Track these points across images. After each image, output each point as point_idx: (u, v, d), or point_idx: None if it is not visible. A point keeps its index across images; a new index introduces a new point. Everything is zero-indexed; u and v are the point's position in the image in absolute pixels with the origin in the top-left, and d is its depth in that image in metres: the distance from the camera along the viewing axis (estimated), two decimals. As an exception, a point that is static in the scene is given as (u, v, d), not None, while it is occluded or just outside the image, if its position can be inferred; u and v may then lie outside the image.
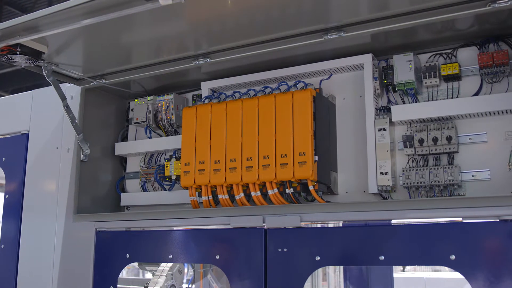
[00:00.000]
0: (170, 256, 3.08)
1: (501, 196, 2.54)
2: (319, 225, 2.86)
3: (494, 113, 2.75)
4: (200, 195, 3.13)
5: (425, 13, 2.57)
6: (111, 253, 3.30)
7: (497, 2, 2.41)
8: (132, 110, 3.87)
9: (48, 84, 3.43)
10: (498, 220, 2.27)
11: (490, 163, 2.76)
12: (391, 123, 2.95)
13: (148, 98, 3.66)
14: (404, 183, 2.87)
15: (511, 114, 2.73)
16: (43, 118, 3.87)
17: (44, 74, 3.24)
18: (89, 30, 2.80)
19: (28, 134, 3.92)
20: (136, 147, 3.79)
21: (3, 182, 3.99)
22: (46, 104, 3.87)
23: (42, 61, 3.13)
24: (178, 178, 3.50)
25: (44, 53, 3.06)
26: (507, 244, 2.24)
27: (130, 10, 2.43)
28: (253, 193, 2.95)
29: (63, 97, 3.41)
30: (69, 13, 2.54)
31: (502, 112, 2.73)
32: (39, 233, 3.68)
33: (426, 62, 2.94)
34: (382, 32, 2.75)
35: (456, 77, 2.86)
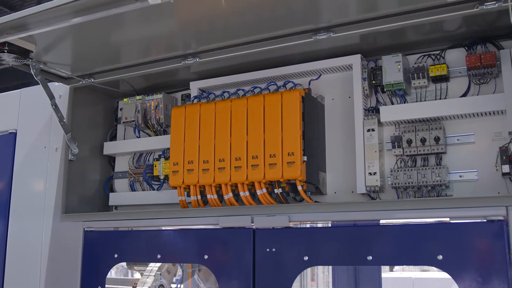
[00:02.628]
0: (159, 256, 3.07)
1: (488, 197, 2.56)
2: (307, 225, 2.86)
3: (482, 114, 2.77)
4: (188, 195, 3.13)
5: (414, 14, 2.58)
6: (99, 253, 3.28)
7: (485, 4, 2.43)
8: (120, 109, 3.85)
9: (36, 83, 3.40)
10: (485, 220, 2.28)
11: (477, 164, 2.78)
12: (380, 123, 2.96)
13: (137, 97, 3.65)
14: (392, 184, 2.88)
15: (498, 115, 2.75)
16: (31, 117, 3.84)
17: (32, 73, 3.22)
18: (77, 29, 2.78)
19: (16, 133, 3.89)
20: (125, 146, 3.78)
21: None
22: (34, 103, 3.84)
23: (30, 60, 3.11)
24: (166, 177, 3.49)
25: (32, 51, 3.04)
26: (494, 244, 2.25)
27: (119, 9, 2.43)
28: (241, 193, 2.94)
29: (51, 96, 3.39)
30: (57, 12, 2.53)
31: (490, 113, 2.75)
32: (26, 233, 3.64)
33: (415, 63, 2.96)
34: (371, 33, 2.76)
35: (444, 78, 2.88)
